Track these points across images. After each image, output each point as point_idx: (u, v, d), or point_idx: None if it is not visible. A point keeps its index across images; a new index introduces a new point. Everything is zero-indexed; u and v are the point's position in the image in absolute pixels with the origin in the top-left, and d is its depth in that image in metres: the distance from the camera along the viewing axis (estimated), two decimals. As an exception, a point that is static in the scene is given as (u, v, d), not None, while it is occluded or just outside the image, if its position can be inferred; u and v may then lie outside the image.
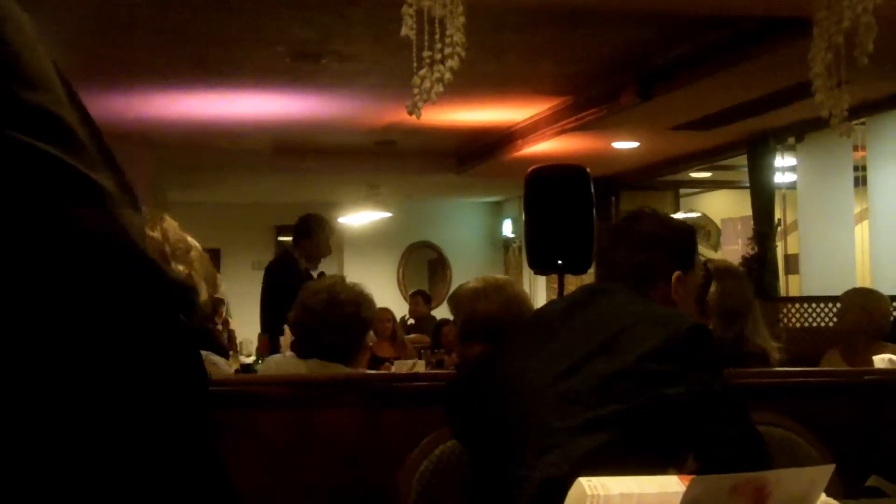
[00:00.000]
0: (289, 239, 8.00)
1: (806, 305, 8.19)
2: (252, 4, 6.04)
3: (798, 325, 8.10)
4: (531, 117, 9.35)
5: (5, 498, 0.85)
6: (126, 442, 0.91)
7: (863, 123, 8.23)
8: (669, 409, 2.21)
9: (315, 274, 6.91)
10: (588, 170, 4.20)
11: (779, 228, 9.35)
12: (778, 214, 9.40)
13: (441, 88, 4.14)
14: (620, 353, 2.27)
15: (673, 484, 1.74)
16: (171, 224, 2.43)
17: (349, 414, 3.57)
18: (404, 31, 4.03)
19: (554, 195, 4.13)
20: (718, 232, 13.41)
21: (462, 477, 2.58)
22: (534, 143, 9.51)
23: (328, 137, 10.32)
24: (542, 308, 2.79)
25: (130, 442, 0.91)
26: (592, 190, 4.13)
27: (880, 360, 4.55)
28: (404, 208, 13.71)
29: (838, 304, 5.81)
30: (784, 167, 9.77)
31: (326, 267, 7.49)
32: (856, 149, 8.64)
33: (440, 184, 12.82)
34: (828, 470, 1.72)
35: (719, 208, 13.52)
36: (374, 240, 13.83)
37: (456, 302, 3.87)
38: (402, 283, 14.94)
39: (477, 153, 10.88)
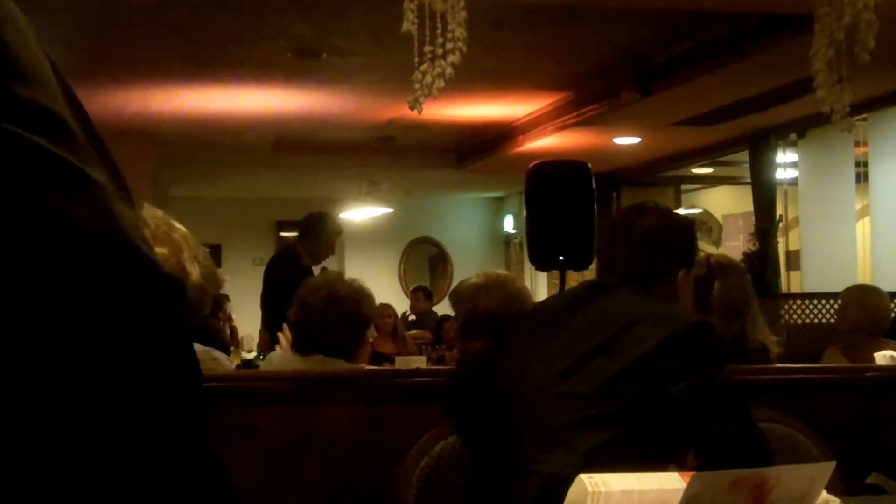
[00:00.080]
0: (290, 235, 8.00)
1: (807, 302, 8.19)
2: (252, 4, 6.03)
3: (799, 321, 8.09)
4: (532, 113, 9.34)
5: (2, 499, 0.85)
6: (125, 441, 0.91)
7: (864, 119, 8.22)
8: (671, 406, 2.21)
9: (316, 271, 6.91)
10: (589, 165, 4.20)
11: (780, 225, 9.34)
12: (779, 211, 9.40)
13: (442, 83, 4.14)
14: (623, 350, 2.26)
15: (673, 480, 1.74)
16: (150, 211, 2.41)
17: (350, 410, 3.57)
18: (406, 26, 4.03)
19: (555, 191, 4.13)
20: (720, 228, 13.41)
21: (462, 473, 2.58)
22: (535, 139, 9.50)
23: (329, 133, 10.32)
24: (541, 303, 2.78)
25: (129, 441, 0.91)
26: (594, 186, 4.13)
27: (881, 357, 4.55)
28: (405, 204, 13.71)
29: (839, 301, 5.81)
30: (785, 163, 9.76)
31: (327, 262, 7.48)
32: (857, 145, 8.64)
33: (441, 179, 12.81)
34: (828, 467, 1.72)
35: (721, 204, 13.51)
36: (374, 236, 13.84)
37: (457, 298, 3.87)
38: (403, 279, 14.94)
39: (478, 149, 10.87)
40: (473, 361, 3.02)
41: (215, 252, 12.61)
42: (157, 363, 0.93)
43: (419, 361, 6.04)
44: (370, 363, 4.18)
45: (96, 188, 0.92)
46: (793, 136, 9.35)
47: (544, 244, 4.16)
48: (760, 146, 9.30)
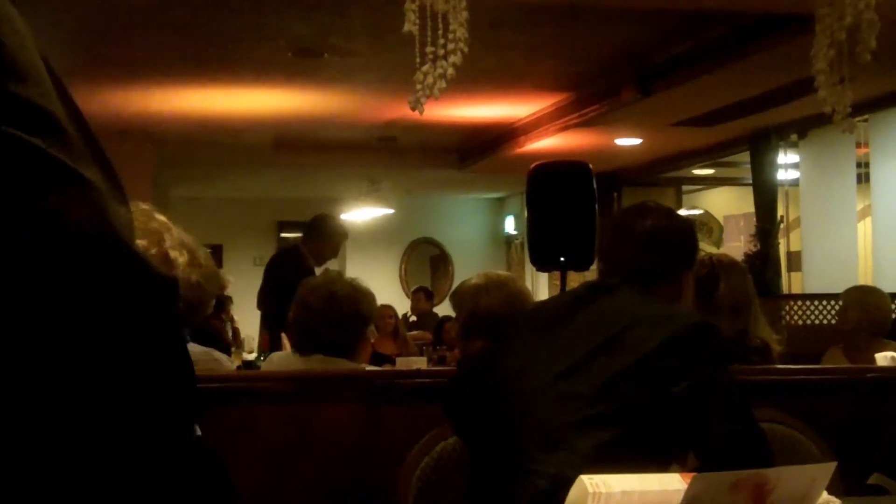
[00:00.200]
0: (291, 235, 8.01)
1: (808, 303, 8.18)
2: (252, 4, 6.03)
3: (800, 322, 8.09)
4: (533, 113, 9.34)
5: None
6: (117, 442, 0.91)
7: (865, 120, 8.22)
8: (673, 406, 2.21)
9: (318, 272, 6.91)
10: (591, 166, 4.19)
11: (781, 225, 9.34)
12: (780, 211, 9.40)
13: (444, 84, 4.14)
14: (625, 350, 2.27)
15: (674, 481, 1.74)
16: (138, 207, 2.39)
17: (350, 410, 3.57)
18: (407, 26, 4.03)
19: (556, 191, 4.13)
20: (721, 229, 13.40)
21: (463, 474, 2.57)
22: (536, 140, 9.50)
23: (329, 133, 10.32)
24: (542, 303, 2.78)
25: (122, 442, 0.91)
26: (595, 186, 4.12)
27: (882, 358, 4.55)
28: (406, 204, 13.71)
29: (840, 302, 5.81)
30: (786, 164, 9.76)
31: (328, 263, 7.48)
32: (858, 145, 8.63)
33: (442, 180, 12.81)
34: (829, 468, 1.72)
35: (722, 205, 13.51)
36: (376, 236, 13.84)
37: (458, 298, 3.87)
38: (405, 280, 14.94)
39: (479, 149, 10.88)
40: (474, 361, 3.02)
41: (217, 253, 12.59)
42: (150, 363, 0.93)
43: (420, 362, 6.04)
44: (371, 364, 4.17)
45: (90, 188, 0.92)
46: (794, 137, 9.34)
47: (545, 245, 4.16)
48: (761, 147, 9.30)
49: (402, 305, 11.40)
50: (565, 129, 8.94)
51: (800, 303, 8.25)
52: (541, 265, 4.35)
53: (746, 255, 8.99)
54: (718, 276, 3.96)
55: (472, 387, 2.55)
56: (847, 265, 8.60)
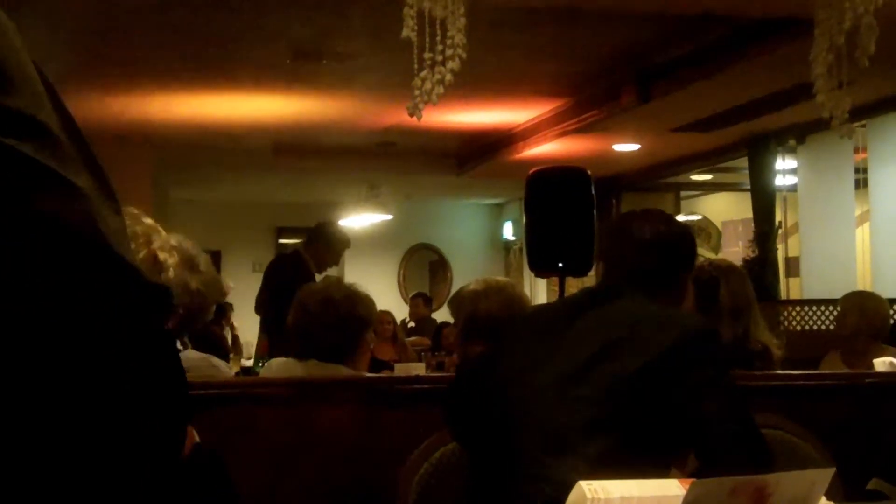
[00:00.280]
0: (290, 241, 8.02)
1: (806, 308, 8.19)
2: (252, 5, 6.04)
3: (798, 327, 8.09)
4: (532, 119, 9.35)
5: None
6: (111, 450, 0.91)
7: (863, 125, 8.22)
8: (677, 410, 2.22)
9: (318, 278, 6.91)
10: (589, 172, 4.20)
11: (779, 231, 9.34)
12: (779, 217, 9.40)
13: (442, 90, 4.14)
14: (629, 355, 2.27)
15: (673, 487, 1.74)
16: (127, 211, 2.38)
17: (349, 415, 3.56)
18: (405, 32, 4.03)
19: (555, 197, 4.13)
20: (719, 234, 13.40)
21: (462, 479, 2.57)
22: (535, 145, 9.51)
23: (328, 138, 10.32)
24: (541, 307, 2.78)
25: (116, 450, 0.91)
26: (593, 192, 4.13)
27: (881, 363, 4.55)
28: (405, 210, 13.71)
29: (838, 307, 5.81)
30: (785, 169, 9.76)
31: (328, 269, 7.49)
32: (857, 151, 8.64)
33: (441, 185, 12.82)
34: (828, 473, 1.72)
35: (720, 210, 13.52)
36: (374, 242, 13.83)
37: (457, 303, 3.87)
38: (403, 286, 14.93)
39: (477, 154, 10.88)
40: (473, 364, 3.02)
41: (215, 258, 12.60)
42: (139, 369, 0.93)
43: (418, 368, 6.04)
44: (369, 370, 4.17)
45: (80, 195, 0.92)
46: (792, 142, 9.35)
47: (544, 250, 4.16)
48: (760, 152, 9.30)
49: (401, 311, 11.40)
50: (564, 134, 8.94)
51: (798, 308, 8.25)
52: (539, 271, 4.35)
53: (745, 260, 8.99)
54: (718, 281, 3.96)
55: (472, 389, 2.55)
56: (845, 270, 8.60)
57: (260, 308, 7.41)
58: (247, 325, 9.48)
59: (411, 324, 11.09)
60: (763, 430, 2.38)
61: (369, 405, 3.57)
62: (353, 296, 3.74)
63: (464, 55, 4.08)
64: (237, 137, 9.98)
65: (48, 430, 0.88)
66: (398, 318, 9.37)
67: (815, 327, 8.03)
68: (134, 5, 5.98)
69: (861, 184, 8.81)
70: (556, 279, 4.28)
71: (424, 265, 15.42)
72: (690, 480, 1.67)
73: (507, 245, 15.01)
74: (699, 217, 13.33)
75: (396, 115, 8.25)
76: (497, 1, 5.57)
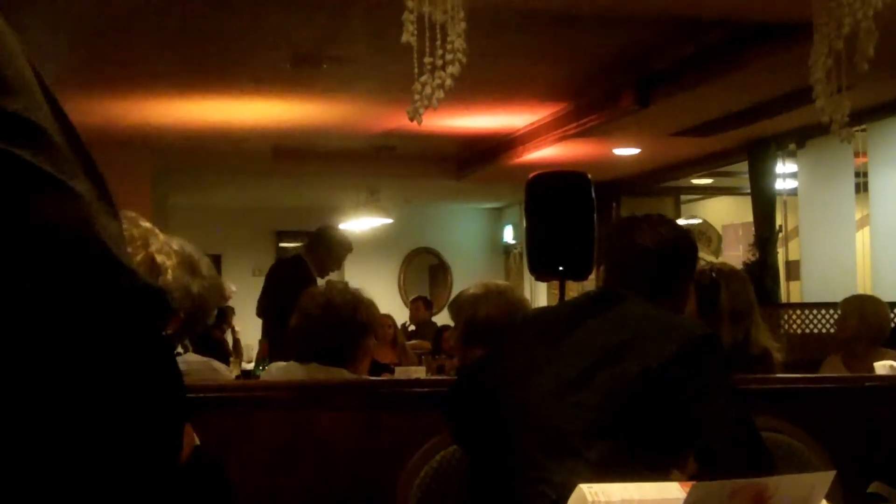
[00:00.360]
0: (290, 245, 8.02)
1: (807, 312, 8.18)
2: (252, 9, 6.04)
3: (799, 331, 8.09)
4: (532, 123, 9.35)
5: None
6: (107, 453, 0.91)
7: (863, 129, 8.23)
8: (679, 415, 2.22)
9: (320, 283, 6.92)
10: (589, 176, 4.19)
11: (780, 235, 9.34)
12: (779, 220, 9.40)
13: (442, 94, 4.14)
14: (633, 360, 2.28)
15: (673, 490, 1.74)
16: (124, 214, 2.37)
17: (350, 419, 3.56)
18: (405, 37, 4.03)
19: (555, 201, 4.12)
20: (719, 238, 13.41)
21: (462, 483, 2.57)
22: (535, 149, 9.51)
23: (328, 142, 10.32)
24: (543, 310, 2.79)
25: (112, 453, 0.91)
26: (593, 196, 4.12)
27: (881, 367, 4.55)
28: (405, 214, 13.70)
29: (839, 311, 5.81)
30: (785, 173, 9.76)
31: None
32: (857, 155, 8.64)
33: (441, 189, 12.82)
34: (828, 476, 1.72)
35: (720, 214, 13.52)
36: (374, 246, 13.82)
37: (457, 307, 3.87)
38: (403, 289, 14.93)
39: (478, 159, 10.88)
40: (473, 367, 3.03)
41: (215, 263, 12.56)
42: (136, 371, 0.94)
43: (419, 372, 6.05)
44: (370, 373, 4.17)
45: (77, 199, 0.92)
46: (792, 146, 9.35)
47: (544, 254, 4.16)
48: (760, 156, 9.31)
49: (401, 315, 11.39)
50: (564, 138, 8.94)
51: (798, 311, 8.24)
52: (539, 275, 4.34)
53: (745, 264, 8.99)
54: (719, 285, 3.96)
55: (472, 391, 2.55)
56: (845, 274, 8.60)
57: (261, 312, 7.41)
58: (247, 329, 9.48)
59: (412, 327, 11.09)
60: (763, 433, 2.39)
61: (370, 408, 3.57)
62: (355, 300, 3.74)
63: (464, 59, 4.09)
64: (237, 141, 9.98)
65: (44, 432, 0.88)
66: (398, 322, 9.37)
67: (815, 331, 8.02)
68: (133, 9, 5.99)
69: (861, 188, 8.81)
70: (556, 283, 4.27)
71: (424, 269, 15.42)
72: (691, 483, 1.67)
73: (507, 249, 15.01)
74: (699, 221, 13.34)
75: (396, 120, 8.25)
76: (497, 5, 5.57)
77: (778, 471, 2.22)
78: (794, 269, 10.00)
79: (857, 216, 8.96)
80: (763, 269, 8.76)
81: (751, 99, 7.66)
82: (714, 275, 4.00)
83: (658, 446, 2.24)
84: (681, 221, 11.36)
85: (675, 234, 2.61)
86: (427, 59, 4.10)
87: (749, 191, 9.63)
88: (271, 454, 3.47)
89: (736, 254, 12.03)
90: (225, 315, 9.52)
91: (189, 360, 3.71)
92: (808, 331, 8.06)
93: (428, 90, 4.12)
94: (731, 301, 3.96)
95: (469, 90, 6.20)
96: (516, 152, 9.84)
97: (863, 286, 8.55)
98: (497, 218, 15.45)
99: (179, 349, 3.52)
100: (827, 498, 1.75)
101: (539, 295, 12.50)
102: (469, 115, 8.77)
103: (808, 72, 4.27)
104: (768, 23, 6.01)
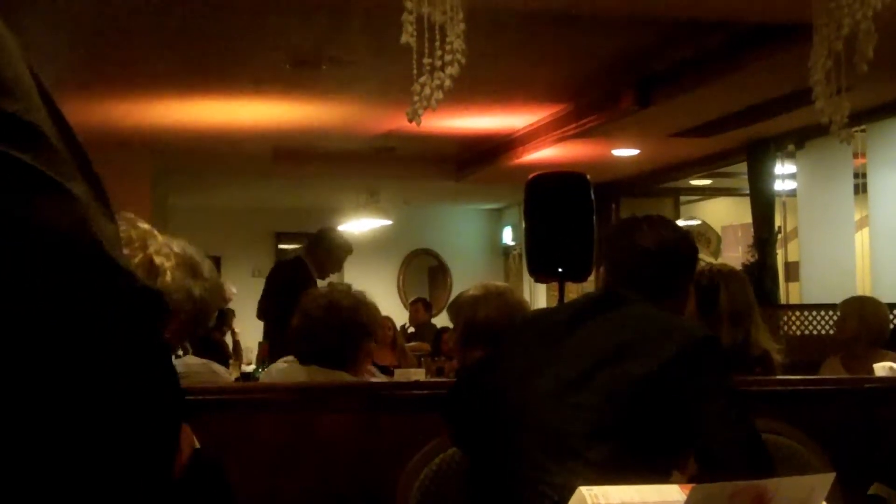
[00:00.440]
0: (289, 246, 8.03)
1: (806, 313, 8.18)
2: (252, 11, 6.04)
3: (798, 332, 8.08)
4: (531, 124, 9.35)
5: None
6: (101, 455, 0.91)
7: (863, 130, 8.23)
8: (680, 417, 2.22)
9: (321, 285, 6.93)
10: (588, 177, 4.19)
11: (779, 236, 9.34)
12: (778, 222, 9.40)
13: (441, 95, 4.14)
14: (635, 362, 2.28)
15: (673, 492, 1.74)
16: (122, 215, 2.36)
17: (349, 421, 3.56)
18: (404, 38, 4.03)
19: (554, 202, 4.12)
20: (719, 239, 13.40)
21: (462, 485, 2.57)
22: (534, 150, 9.51)
23: (328, 143, 10.32)
24: (543, 311, 2.79)
25: (106, 455, 0.91)
26: (593, 197, 4.12)
27: (881, 368, 4.55)
28: (404, 215, 13.70)
29: (838, 312, 5.81)
30: (784, 174, 9.76)
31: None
32: (856, 156, 8.64)
33: (440, 190, 12.82)
34: (828, 478, 1.71)
35: (719, 215, 13.51)
36: (373, 247, 13.82)
37: (457, 308, 3.87)
38: (403, 291, 14.93)
39: (477, 159, 10.88)
40: (473, 368, 3.02)
41: (214, 264, 12.56)
42: (132, 374, 0.93)
43: (418, 374, 6.04)
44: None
45: (74, 201, 0.92)
46: (791, 147, 9.35)
47: (543, 255, 4.16)
48: (759, 157, 9.31)
49: (401, 316, 11.39)
50: (563, 139, 8.95)
51: (798, 313, 8.24)
52: (539, 276, 4.34)
53: (744, 265, 8.99)
54: (718, 286, 3.96)
55: (472, 393, 2.55)
56: (845, 275, 8.60)
57: (262, 314, 7.42)
58: (247, 331, 9.48)
59: (411, 329, 11.09)
60: (763, 435, 2.39)
61: (369, 410, 3.57)
62: (357, 302, 3.74)
63: (463, 60, 4.08)
64: (236, 143, 9.98)
65: (38, 432, 0.88)
66: (398, 324, 9.37)
67: (814, 332, 8.02)
68: (133, 9, 5.99)
69: (860, 189, 8.81)
70: (555, 284, 4.27)
71: (424, 270, 15.41)
72: (691, 486, 1.67)
73: (507, 250, 15.00)
74: (699, 222, 13.33)
75: (396, 121, 8.25)
76: (496, 6, 5.57)
77: (778, 473, 2.22)
78: (793, 271, 10.00)
79: (857, 217, 8.96)
80: (762, 271, 8.76)
81: (750, 100, 7.66)
82: (713, 276, 4.00)
83: (658, 447, 2.24)
84: (680, 222, 11.35)
85: (675, 235, 2.61)
86: (426, 60, 4.10)
87: (748, 192, 9.63)
88: (271, 456, 3.47)
89: (735, 255, 12.02)
90: (225, 317, 9.52)
91: (188, 363, 3.72)
92: (807, 332, 8.06)
93: (427, 91, 4.12)
94: (731, 302, 3.96)
95: (468, 91, 6.21)
96: (516, 153, 9.84)
97: (862, 287, 8.55)
98: (496, 219, 15.44)
99: (179, 351, 3.52)
100: (827, 500, 1.75)
101: (538, 296, 12.50)
102: (468, 115, 8.77)
103: (808, 73, 4.27)
104: (768, 24, 6.01)
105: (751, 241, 9.34)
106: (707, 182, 12.22)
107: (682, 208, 12.98)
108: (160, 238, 2.40)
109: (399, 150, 10.52)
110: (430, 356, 8.16)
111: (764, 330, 4.12)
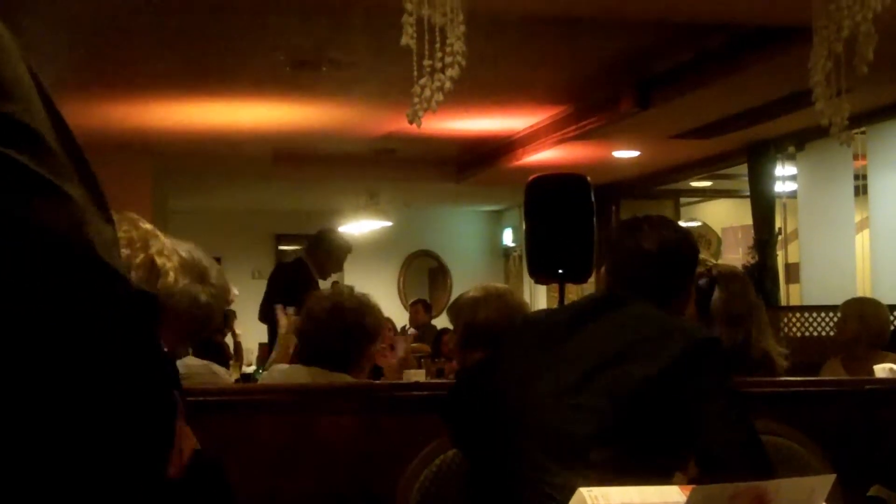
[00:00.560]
0: (289, 248, 8.04)
1: (806, 314, 8.17)
2: (252, 12, 6.04)
3: (798, 334, 8.08)
4: (531, 126, 9.35)
5: None
6: (95, 456, 0.91)
7: (863, 132, 8.22)
8: (681, 418, 2.23)
9: (322, 285, 6.94)
10: (588, 178, 4.19)
11: (779, 237, 9.34)
12: (778, 223, 9.40)
13: (441, 97, 4.13)
14: (637, 364, 2.28)
15: (674, 493, 1.74)
16: (125, 215, 2.35)
17: (349, 422, 3.56)
18: (404, 40, 4.03)
19: (554, 204, 4.12)
20: (719, 241, 13.40)
21: (462, 486, 2.57)
22: (534, 152, 9.51)
23: (328, 145, 10.32)
24: (543, 312, 2.78)
25: (99, 456, 0.91)
26: (593, 199, 4.12)
27: (881, 370, 4.55)
28: (404, 217, 13.70)
29: (838, 314, 5.80)
30: (784, 176, 9.76)
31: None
32: (856, 157, 8.64)
33: (440, 192, 12.82)
34: (828, 479, 1.71)
35: (720, 217, 13.52)
36: (374, 249, 13.82)
37: (457, 310, 3.87)
38: (403, 292, 14.93)
39: (477, 161, 10.88)
40: (473, 370, 3.02)
41: (214, 265, 12.54)
42: (126, 376, 0.93)
43: (418, 375, 6.03)
44: (369, 377, 4.17)
45: (70, 203, 0.92)
46: (791, 149, 9.35)
47: (543, 257, 4.16)
48: (759, 158, 9.30)
49: (401, 318, 11.39)
50: (563, 141, 8.94)
51: (798, 314, 8.23)
52: (539, 277, 4.34)
53: (744, 266, 8.98)
54: (713, 286, 3.95)
55: (472, 394, 2.55)
56: (845, 277, 8.60)
57: (264, 317, 7.43)
58: (247, 332, 9.47)
59: (411, 330, 11.09)
60: (763, 436, 2.39)
61: (369, 412, 3.57)
62: (362, 306, 3.75)
63: (463, 62, 4.08)
64: (237, 145, 9.97)
65: (32, 433, 0.88)
66: (398, 325, 9.37)
67: (815, 333, 8.01)
68: (133, 10, 5.99)
69: (860, 190, 8.81)
70: (555, 286, 4.27)
71: (424, 272, 15.41)
72: (691, 487, 1.67)
73: (507, 252, 15.00)
74: (699, 224, 13.33)
75: (396, 123, 8.25)
76: (497, 8, 5.57)
77: (778, 474, 2.22)
78: (793, 272, 9.99)
79: (857, 218, 8.96)
80: (762, 272, 8.76)
81: (750, 102, 7.66)
82: (713, 277, 3.99)
83: (659, 449, 2.24)
84: (680, 224, 11.35)
85: (676, 236, 2.60)
86: (426, 62, 4.10)
87: (748, 193, 9.62)
88: (271, 457, 3.47)
89: (735, 256, 12.02)
90: (227, 319, 9.51)
91: (189, 364, 3.72)
92: (807, 334, 8.05)
93: (427, 93, 4.12)
94: (728, 302, 3.94)
95: (468, 93, 6.21)
96: (516, 155, 9.84)
97: (862, 289, 8.54)
98: (496, 221, 15.44)
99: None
100: (827, 501, 1.75)
101: (538, 298, 12.50)
102: (468, 117, 8.77)
103: (808, 75, 4.27)
104: (767, 26, 6.01)
105: (751, 242, 9.33)
106: (707, 184, 12.22)
107: (683, 210, 12.98)
108: (163, 238, 2.40)
109: (399, 152, 10.52)
110: (430, 357, 8.16)
111: (770, 333, 4.10)
